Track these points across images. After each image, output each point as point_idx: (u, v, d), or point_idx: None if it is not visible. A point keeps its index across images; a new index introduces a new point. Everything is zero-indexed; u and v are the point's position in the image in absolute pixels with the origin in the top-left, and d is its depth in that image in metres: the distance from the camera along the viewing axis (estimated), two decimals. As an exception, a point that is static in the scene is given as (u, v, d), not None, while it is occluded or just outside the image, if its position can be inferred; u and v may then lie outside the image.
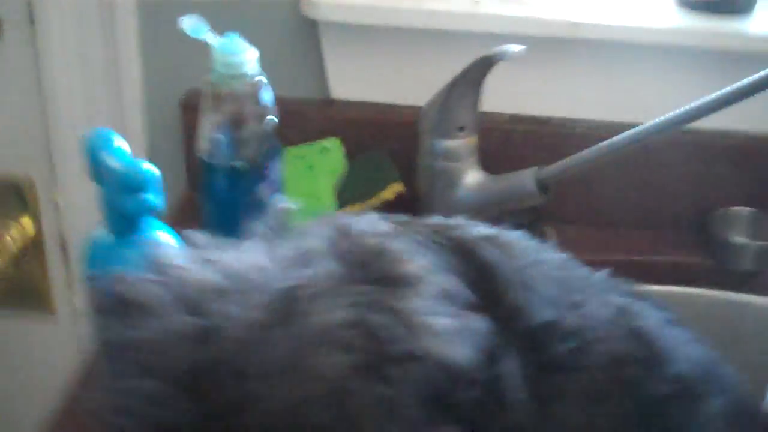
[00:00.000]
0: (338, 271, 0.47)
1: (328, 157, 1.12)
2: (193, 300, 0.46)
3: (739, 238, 1.16)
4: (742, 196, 1.20)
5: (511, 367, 0.51)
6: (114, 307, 0.49)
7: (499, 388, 0.51)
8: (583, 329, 0.56)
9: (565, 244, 0.64)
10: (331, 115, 1.19)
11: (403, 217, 0.57)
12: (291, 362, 0.43)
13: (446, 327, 0.46)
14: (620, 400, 0.57)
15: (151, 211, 0.69)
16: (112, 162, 0.69)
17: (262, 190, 0.90)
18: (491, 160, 1.11)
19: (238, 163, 0.88)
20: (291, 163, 1.07)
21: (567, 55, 1.17)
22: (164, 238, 0.73)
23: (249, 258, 0.49)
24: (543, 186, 1.03)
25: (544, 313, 0.53)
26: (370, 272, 0.47)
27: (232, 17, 1.13)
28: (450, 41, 1.15)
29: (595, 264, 0.64)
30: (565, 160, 1.00)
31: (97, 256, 0.72)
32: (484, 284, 0.53)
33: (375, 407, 0.44)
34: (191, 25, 0.81)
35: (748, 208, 1.19)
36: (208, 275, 0.48)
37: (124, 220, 0.71)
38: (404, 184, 1.12)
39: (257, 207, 0.90)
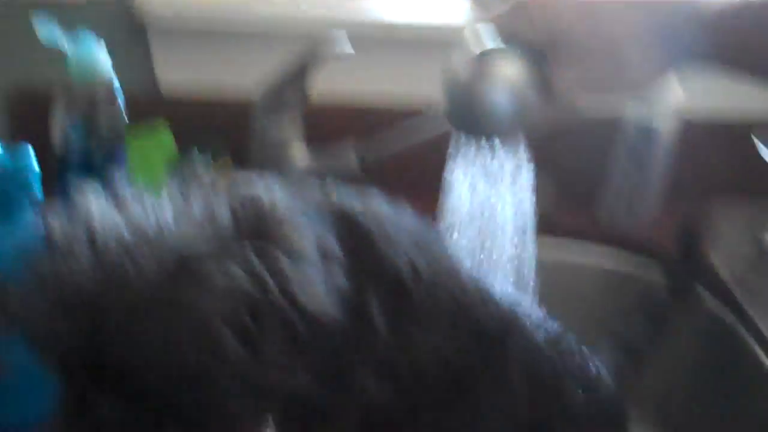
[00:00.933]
0: (233, 233, 0.55)
1: (159, 142, 1.21)
2: (103, 250, 0.53)
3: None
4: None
5: (375, 310, 0.63)
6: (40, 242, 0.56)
7: (363, 329, 0.62)
8: (434, 276, 0.69)
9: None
10: (163, 109, 1.27)
11: (291, 182, 0.66)
12: (177, 306, 0.51)
13: (318, 286, 0.55)
14: (464, 334, 0.72)
15: (31, 195, 0.77)
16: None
17: (112, 173, 0.99)
18: (317, 141, 1.21)
19: (89, 149, 0.96)
20: (129, 149, 1.15)
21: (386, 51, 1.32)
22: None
23: (157, 214, 0.56)
24: (364, 161, 1.15)
25: (406, 265, 0.66)
26: (263, 236, 0.55)
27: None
28: (273, 42, 1.26)
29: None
30: (384, 139, 1.11)
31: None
32: (361, 248, 0.64)
33: (241, 349, 0.52)
34: (45, 28, 0.88)
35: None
36: (119, 228, 0.54)
37: (4, 205, 0.77)
38: (235, 161, 1.23)
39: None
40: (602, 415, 0.88)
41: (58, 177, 0.98)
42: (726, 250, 1.28)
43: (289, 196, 0.62)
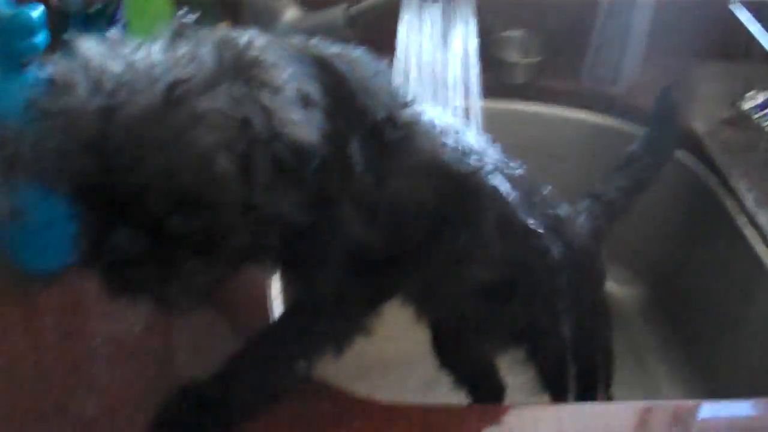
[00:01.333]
0: (220, 73, 0.59)
1: (156, 2, 1.22)
2: (102, 84, 0.58)
3: (512, 59, 1.39)
4: (515, 22, 1.42)
5: (354, 149, 0.67)
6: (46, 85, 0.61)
7: (345, 163, 0.67)
8: (410, 124, 0.74)
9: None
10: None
11: (272, 35, 0.69)
12: (173, 136, 0.56)
13: (299, 119, 0.61)
14: (439, 182, 0.77)
15: (36, 52, 0.80)
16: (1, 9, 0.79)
17: (113, 33, 1.01)
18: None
19: (91, 9, 0.98)
20: (127, 9, 1.16)
21: None
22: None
23: (149, 55, 0.60)
24: (351, 21, 1.18)
25: (381, 112, 0.70)
26: (247, 76, 0.60)
27: None
28: None
29: None
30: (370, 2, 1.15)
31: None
32: (337, 90, 0.68)
33: (236, 175, 0.58)
34: None
35: (518, 31, 1.41)
36: (116, 66, 0.59)
37: (13, 61, 0.81)
38: (231, 23, 1.24)
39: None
40: (577, 265, 0.94)
41: (57, 34, 1.00)
42: (706, 112, 1.33)
43: (270, 44, 0.65)
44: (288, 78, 0.62)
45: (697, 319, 1.33)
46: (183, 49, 0.61)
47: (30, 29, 0.79)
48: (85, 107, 0.58)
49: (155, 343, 0.86)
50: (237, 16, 1.24)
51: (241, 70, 0.60)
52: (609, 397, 1.07)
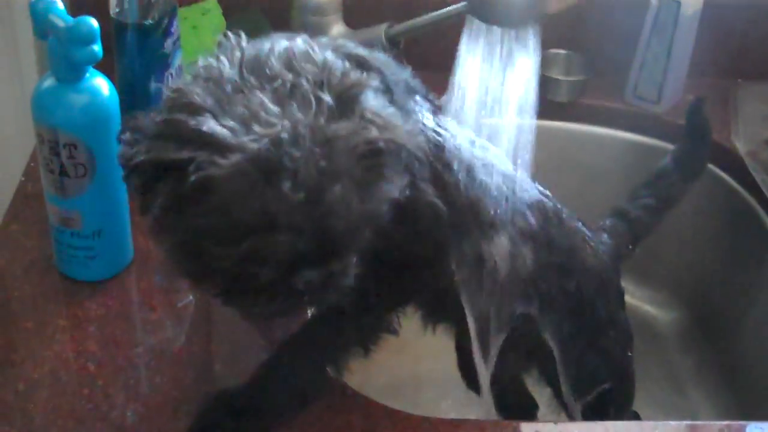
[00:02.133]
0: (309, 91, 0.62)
1: (209, 17, 1.26)
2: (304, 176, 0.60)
3: (557, 75, 1.40)
4: (559, 41, 1.41)
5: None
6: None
7: None
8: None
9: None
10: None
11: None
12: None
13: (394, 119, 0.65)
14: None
15: (95, 60, 0.83)
16: (58, 20, 0.82)
17: (167, 45, 1.04)
18: (354, 16, 1.27)
19: (146, 22, 1.01)
20: (181, 22, 1.19)
21: None
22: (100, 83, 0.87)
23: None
24: (393, 40, 1.20)
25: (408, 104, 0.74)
26: (328, 86, 0.63)
27: None
28: None
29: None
30: (412, 21, 1.16)
31: (45, 101, 0.85)
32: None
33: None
34: None
35: (563, 50, 1.42)
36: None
37: (71, 69, 0.84)
38: (279, 38, 1.27)
39: (164, 61, 1.04)
40: (593, 286, 0.94)
41: (117, 42, 1.04)
42: (748, 132, 1.32)
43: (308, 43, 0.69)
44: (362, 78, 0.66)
45: (737, 342, 1.32)
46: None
47: (90, 37, 0.81)
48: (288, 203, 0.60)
49: (194, 352, 0.88)
50: (285, 31, 1.26)
51: (319, 83, 0.64)
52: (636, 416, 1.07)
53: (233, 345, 0.90)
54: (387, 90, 0.70)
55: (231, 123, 0.60)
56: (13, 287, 0.94)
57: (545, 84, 1.38)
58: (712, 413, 1.30)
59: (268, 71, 0.64)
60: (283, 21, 1.27)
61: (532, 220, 0.86)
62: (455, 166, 0.77)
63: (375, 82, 0.67)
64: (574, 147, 1.40)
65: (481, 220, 0.80)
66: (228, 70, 0.64)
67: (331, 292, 0.66)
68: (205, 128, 0.60)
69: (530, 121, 0.98)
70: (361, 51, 0.74)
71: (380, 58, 0.75)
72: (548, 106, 1.39)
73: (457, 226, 0.77)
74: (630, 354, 0.99)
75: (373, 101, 0.65)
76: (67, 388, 0.83)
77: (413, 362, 1.30)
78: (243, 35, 0.69)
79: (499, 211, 0.81)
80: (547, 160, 1.36)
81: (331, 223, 0.61)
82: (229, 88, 0.62)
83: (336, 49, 0.71)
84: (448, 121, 0.81)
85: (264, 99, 0.61)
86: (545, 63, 1.40)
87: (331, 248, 0.63)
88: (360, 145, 0.61)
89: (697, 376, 1.36)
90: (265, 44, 0.68)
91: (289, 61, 0.65)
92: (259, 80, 0.63)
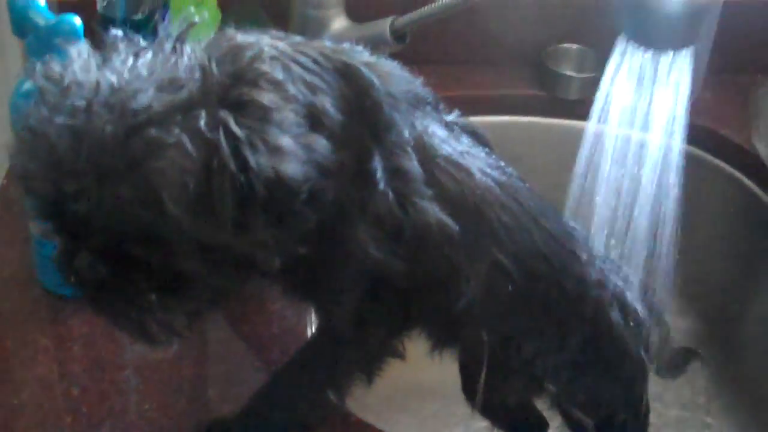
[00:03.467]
0: (200, 95, 0.55)
1: (205, 9, 1.19)
2: (67, 102, 0.55)
3: (568, 72, 1.33)
4: (570, 35, 1.35)
5: (376, 164, 0.63)
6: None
7: (364, 179, 0.63)
8: (437, 147, 0.70)
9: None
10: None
11: (297, 38, 0.66)
12: (125, 167, 0.52)
13: (287, 148, 0.55)
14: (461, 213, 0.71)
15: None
16: (39, 18, 0.75)
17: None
18: (356, 9, 1.20)
19: (136, 16, 0.94)
20: (172, 17, 1.13)
21: None
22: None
23: (134, 68, 0.56)
24: (398, 34, 1.14)
25: (407, 129, 0.67)
26: (233, 98, 0.55)
27: None
28: None
29: (446, 99, 0.78)
30: (418, 11, 1.09)
31: (23, 104, 0.79)
32: (361, 100, 0.64)
33: (190, 213, 0.53)
34: None
35: (575, 45, 1.35)
36: (90, 80, 0.55)
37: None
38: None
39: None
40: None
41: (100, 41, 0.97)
42: (767, 131, 1.26)
43: (287, 52, 0.61)
44: (290, 96, 0.58)
45: (755, 353, 1.27)
46: (182, 61, 0.57)
47: (73, 36, 0.75)
48: (45, 127, 0.55)
49: (186, 375, 0.82)
50: (285, 26, 1.20)
51: (228, 89, 0.56)
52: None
53: (228, 366, 0.84)
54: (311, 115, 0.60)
55: None
56: (-9, 302, 0.88)
57: (555, 81, 1.32)
58: (726, 427, 1.25)
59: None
60: (282, 14, 1.20)
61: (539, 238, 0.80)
62: (460, 177, 0.71)
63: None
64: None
65: (495, 234, 0.73)
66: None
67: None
68: None
69: (679, 144, 0.93)
70: (363, 59, 0.66)
71: (383, 69, 0.68)
72: (557, 103, 1.33)
73: (469, 242, 0.71)
74: (646, 387, 0.93)
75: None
76: (49, 415, 0.77)
77: (416, 371, 1.25)
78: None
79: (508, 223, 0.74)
80: (554, 160, 1.31)
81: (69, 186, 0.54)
82: None
83: (330, 56, 0.64)
84: (461, 132, 0.75)
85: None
86: (555, 58, 1.34)
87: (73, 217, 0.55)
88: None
89: (712, 387, 1.31)
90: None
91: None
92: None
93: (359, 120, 0.63)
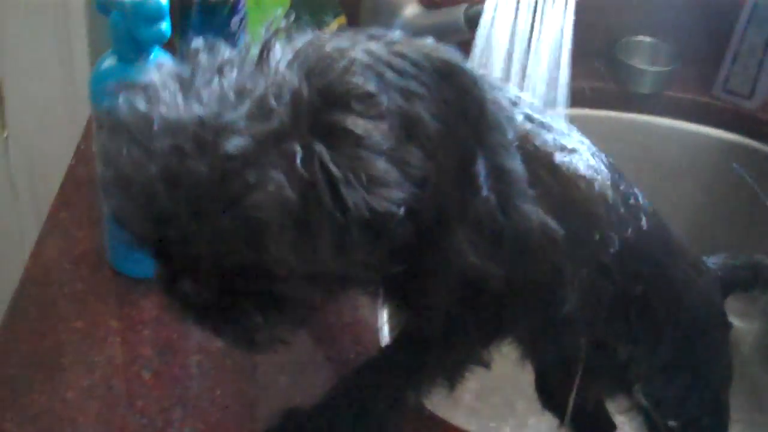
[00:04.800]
0: (287, 124, 0.53)
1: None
2: (159, 140, 0.53)
3: (641, 65, 1.30)
4: (644, 27, 1.32)
5: (480, 168, 0.61)
6: (107, 123, 0.57)
7: (468, 184, 0.61)
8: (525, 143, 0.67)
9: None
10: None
11: (396, 35, 0.62)
12: (224, 210, 0.51)
13: (382, 177, 0.53)
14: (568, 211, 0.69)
15: (162, 39, 0.75)
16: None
17: (234, 23, 0.96)
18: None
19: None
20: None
21: None
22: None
23: (218, 96, 0.54)
24: (471, 21, 1.11)
25: (510, 130, 0.65)
26: (317, 124, 0.53)
27: None
28: None
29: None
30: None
31: (106, 82, 0.77)
32: (463, 101, 0.61)
33: (292, 246, 0.52)
34: None
35: (649, 37, 1.32)
36: (179, 115, 0.53)
37: (136, 48, 0.76)
38: (347, 17, 1.19)
39: (230, 40, 0.96)
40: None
41: (180, 20, 0.96)
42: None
43: (386, 52, 0.59)
44: (382, 112, 0.55)
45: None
46: (269, 73, 0.55)
47: (158, 14, 0.74)
48: (136, 169, 0.53)
49: (259, 361, 0.81)
50: (356, 9, 1.18)
51: (320, 113, 0.54)
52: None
53: (299, 355, 0.82)
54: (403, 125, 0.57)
55: None
56: (61, 282, 0.86)
57: (627, 74, 1.29)
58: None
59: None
60: (356, 6, 1.18)
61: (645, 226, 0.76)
62: (567, 176, 0.68)
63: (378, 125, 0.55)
64: (656, 142, 1.31)
65: (602, 235, 0.70)
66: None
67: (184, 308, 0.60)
68: None
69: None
70: (462, 61, 0.63)
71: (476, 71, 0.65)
72: (630, 97, 1.30)
73: (574, 245, 0.68)
74: (728, 391, 0.90)
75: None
76: (120, 399, 0.76)
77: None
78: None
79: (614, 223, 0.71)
80: (626, 156, 1.27)
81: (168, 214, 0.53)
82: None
83: (427, 55, 0.61)
84: (553, 119, 0.72)
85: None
86: (629, 50, 1.30)
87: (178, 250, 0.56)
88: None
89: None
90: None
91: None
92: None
93: (461, 121, 0.60)
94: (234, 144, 0.51)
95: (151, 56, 0.77)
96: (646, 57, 1.31)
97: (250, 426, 0.74)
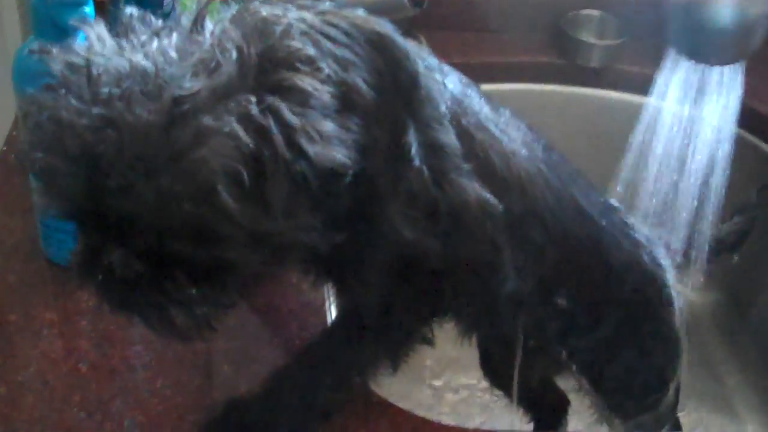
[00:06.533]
0: (239, 77, 0.51)
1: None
2: (100, 89, 0.49)
3: (589, 38, 1.29)
4: (591, 1, 1.31)
5: (411, 139, 0.59)
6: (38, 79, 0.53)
7: (399, 155, 0.59)
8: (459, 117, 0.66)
9: (436, 49, 0.73)
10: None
11: (325, 5, 0.61)
12: (171, 159, 0.48)
13: (331, 132, 0.51)
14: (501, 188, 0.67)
15: (86, 22, 0.72)
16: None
17: (167, 3, 0.93)
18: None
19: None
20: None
21: None
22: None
23: (164, 49, 0.52)
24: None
25: (443, 103, 0.63)
26: (273, 81, 0.51)
27: None
28: None
29: (462, 65, 0.74)
30: None
31: (29, 69, 0.74)
32: (396, 73, 0.60)
33: (244, 204, 0.49)
34: None
35: (596, 11, 1.31)
36: (121, 65, 0.50)
37: (58, 33, 0.72)
38: None
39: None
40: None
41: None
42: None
43: (315, 23, 0.57)
44: (326, 76, 0.54)
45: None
46: (206, 39, 0.53)
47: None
48: (76, 117, 0.49)
49: (200, 351, 0.78)
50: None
51: (267, 72, 0.52)
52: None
53: (244, 342, 0.80)
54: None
55: None
56: (-7, 274, 0.83)
57: (575, 48, 1.28)
58: (746, 400, 1.22)
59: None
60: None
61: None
62: (503, 150, 0.66)
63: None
64: (606, 117, 1.30)
65: (540, 214, 0.69)
66: None
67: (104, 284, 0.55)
68: None
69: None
70: (396, 34, 0.62)
71: (419, 51, 0.63)
72: (577, 71, 1.29)
73: (513, 222, 0.66)
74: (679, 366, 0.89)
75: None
76: (56, 392, 0.73)
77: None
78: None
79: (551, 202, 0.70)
80: (575, 131, 1.27)
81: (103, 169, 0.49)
82: None
83: (362, 26, 0.59)
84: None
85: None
86: (576, 24, 1.29)
87: (106, 213, 0.51)
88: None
89: (732, 361, 1.28)
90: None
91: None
92: None
93: (393, 93, 0.59)
94: (186, 87, 0.49)
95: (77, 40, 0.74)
96: (593, 31, 1.30)
97: (192, 416, 0.72)
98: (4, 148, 0.96)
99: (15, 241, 0.86)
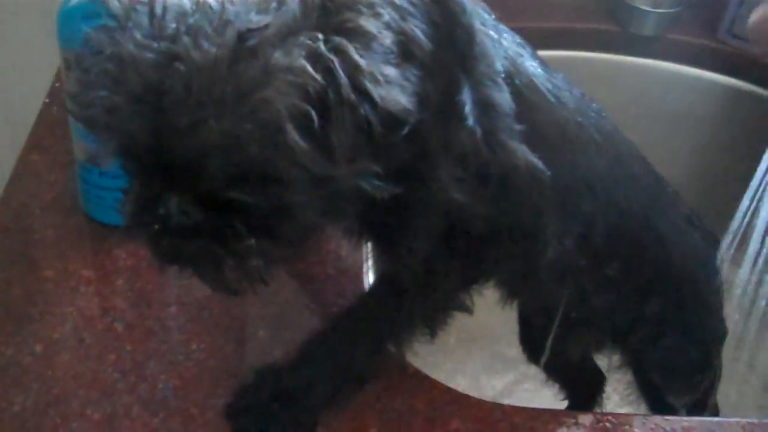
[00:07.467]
0: (304, 17, 0.49)
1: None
2: (164, 25, 0.48)
3: (644, 5, 1.25)
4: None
5: (465, 99, 0.57)
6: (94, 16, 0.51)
7: (452, 114, 0.57)
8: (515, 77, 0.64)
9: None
10: None
11: None
12: (239, 96, 0.46)
13: (393, 77, 0.50)
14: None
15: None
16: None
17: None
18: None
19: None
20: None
21: None
22: None
23: None
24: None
25: (498, 62, 0.61)
26: (336, 22, 0.50)
27: None
28: None
29: (515, 29, 0.71)
30: None
31: (73, 21, 0.73)
32: (452, 29, 0.57)
33: (311, 147, 0.48)
34: None
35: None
36: (184, 2, 0.48)
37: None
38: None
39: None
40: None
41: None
42: None
43: None
44: (386, 23, 0.52)
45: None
46: None
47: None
48: (140, 53, 0.47)
49: (236, 315, 0.77)
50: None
51: (330, 13, 0.50)
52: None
53: (281, 307, 0.79)
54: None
55: None
56: (32, 228, 0.82)
57: (628, 14, 1.24)
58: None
59: None
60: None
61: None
62: (557, 115, 0.64)
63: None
64: (658, 88, 1.26)
65: (590, 184, 0.67)
66: None
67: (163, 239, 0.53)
68: None
69: None
70: None
71: (479, 12, 0.61)
72: (631, 39, 1.25)
73: (561, 190, 0.64)
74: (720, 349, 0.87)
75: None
76: (91, 351, 0.72)
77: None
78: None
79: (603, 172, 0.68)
80: (626, 102, 1.24)
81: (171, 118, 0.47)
82: None
83: None
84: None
85: None
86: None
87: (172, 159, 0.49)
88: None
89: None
90: None
91: None
92: None
93: (448, 47, 0.56)
94: (254, 21, 0.47)
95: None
96: (649, -2, 1.26)
97: (226, 382, 0.71)
98: (47, 100, 0.96)
99: (55, 195, 0.85)
